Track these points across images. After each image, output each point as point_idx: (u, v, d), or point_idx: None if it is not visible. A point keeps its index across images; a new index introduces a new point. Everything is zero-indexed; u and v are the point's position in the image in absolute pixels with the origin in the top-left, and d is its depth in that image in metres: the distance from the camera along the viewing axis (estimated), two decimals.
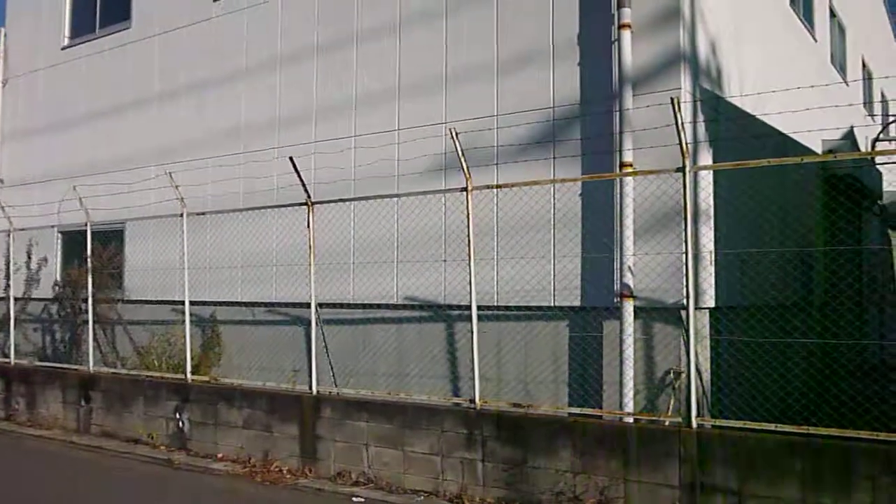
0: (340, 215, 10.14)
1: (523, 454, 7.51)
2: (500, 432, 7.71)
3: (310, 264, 9.52)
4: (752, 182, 8.66)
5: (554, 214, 8.68)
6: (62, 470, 9.87)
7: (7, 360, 13.42)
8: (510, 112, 9.09)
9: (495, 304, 8.98)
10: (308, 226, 9.56)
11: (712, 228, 8.19)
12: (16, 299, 14.05)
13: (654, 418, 7.44)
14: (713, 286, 8.11)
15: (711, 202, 8.17)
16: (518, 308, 8.84)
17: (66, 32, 15.38)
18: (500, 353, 8.91)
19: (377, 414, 8.54)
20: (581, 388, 8.37)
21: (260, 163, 11.18)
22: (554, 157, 8.73)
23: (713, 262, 8.15)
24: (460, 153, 8.06)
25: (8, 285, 13.92)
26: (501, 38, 9.36)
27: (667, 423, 7.19)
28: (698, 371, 7.48)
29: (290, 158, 9.34)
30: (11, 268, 13.96)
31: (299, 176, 9.28)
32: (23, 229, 13.91)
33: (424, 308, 9.68)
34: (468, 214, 8.21)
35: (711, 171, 8.13)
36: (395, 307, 9.93)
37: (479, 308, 8.32)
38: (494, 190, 8.67)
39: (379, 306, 10.00)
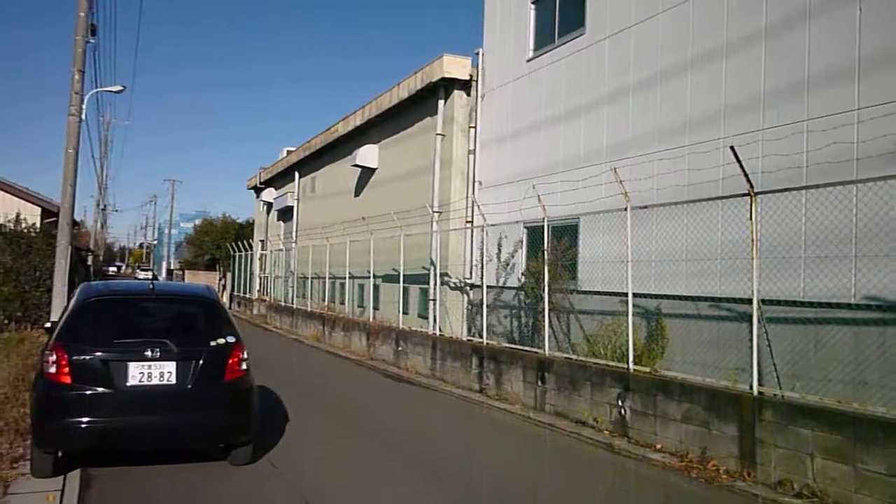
0: (788, 206, 9.45)
1: None
2: None
3: (752, 258, 9.07)
4: None
5: None
6: (521, 443, 10.96)
7: (481, 340, 15.31)
8: None
9: None
10: (750, 217, 9.12)
11: None
12: (489, 287, 15.93)
13: None
14: None
15: None
16: None
17: (531, 45, 16.88)
18: None
19: (825, 423, 7.78)
20: None
21: (703, 154, 10.96)
22: None
23: None
24: None
25: (482, 275, 15.84)
26: None
27: None
28: None
29: (731, 148, 9.01)
30: (484, 258, 15.85)
31: (741, 165, 8.91)
32: (494, 225, 15.73)
33: (888, 310, 8.51)
34: None
35: None
36: (852, 307, 8.91)
37: None
38: None
39: (832, 305, 9.08)
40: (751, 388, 8.85)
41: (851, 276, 8.96)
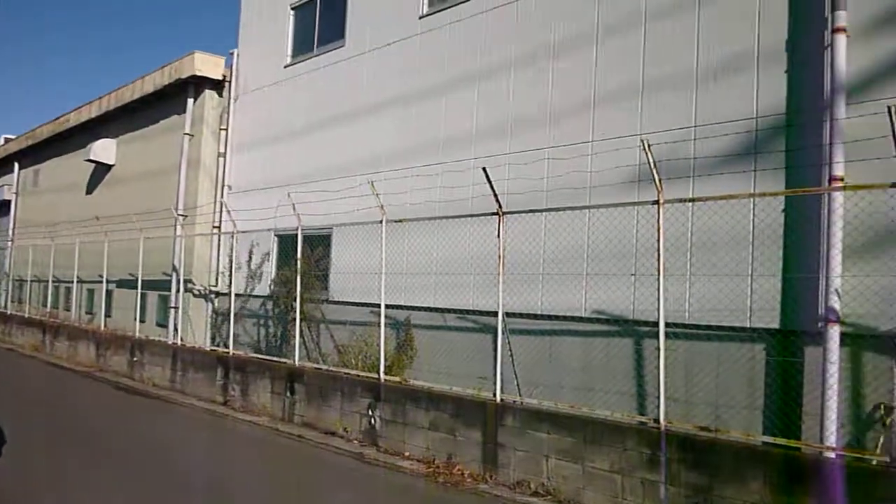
0: (531, 226, 10.21)
1: (709, 481, 7.16)
2: (685, 455, 7.41)
3: (498, 273, 9.67)
4: None
5: (753, 230, 8.21)
6: (267, 455, 10.70)
7: (227, 350, 14.77)
8: (708, 123, 8.73)
9: (686, 322, 8.64)
10: (498, 235, 9.72)
11: None
12: (237, 295, 15.42)
13: (858, 455, 6.81)
14: None
15: None
16: (710, 327, 8.44)
17: (289, 52, 16.66)
18: (689, 373, 8.55)
19: (559, 426, 8.50)
20: (777, 416, 7.83)
21: (456, 173, 11.51)
22: (755, 170, 8.27)
23: None
24: (652, 165, 7.88)
25: (230, 282, 15.31)
26: (702, 47, 9.02)
27: (874, 462, 6.58)
28: None
29: (483, 169, 9.55)
30: (233, 266, 15.34)
31: (491, 186, 9.47)
32: (244, 232, 15.28)
33: (612, 322, 9.49)
34: (658, 228, 7.99)
35: None
36: (583, 320, 9.82)
37: (668, 325, 8.07)
38: (688, 203, 8.37)
39: (566, 318, 9.95)
40: (494, 395, 9.42)
41: (583, 291, 9.87)
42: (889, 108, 6.19)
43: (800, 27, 8.18)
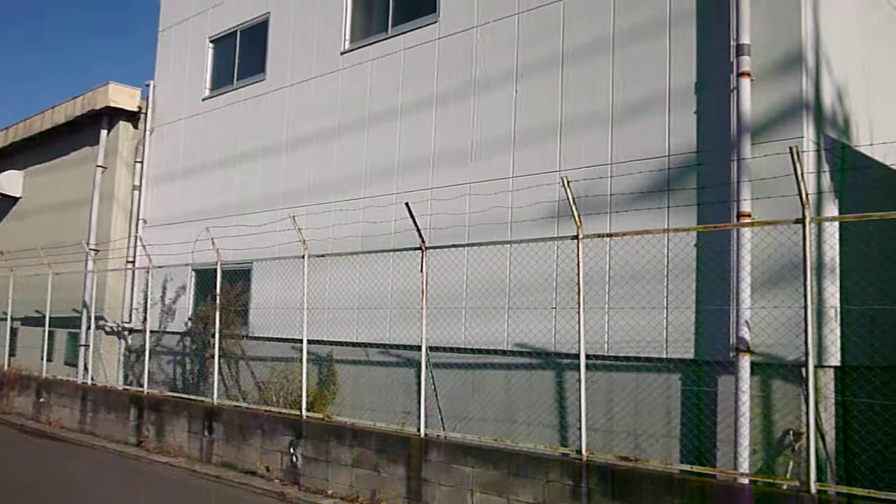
0: (453, 260, 10.30)
1: None
2: (606, 485, 7.54)
3: (422, 308, 9.71)
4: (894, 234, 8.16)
5: (667, 264, 8.51)
6: (182, 498, 10.35)
7: (141, 389, 14.29)
8: (624, 161, 9.04)
9: (605, 353, 8.85)
10: (421, 270, 9.78)
11: (837, 282, 7.80)
12: (152, 332, 14.97)
13: (770, 480, 7.09)
14: (839, 344, 7.69)
15: (837, 255, 7.79)
16: (629, 359, 8.66)
17: (208, 84, 16.47)
18: (609, 403, 8.74)
19: (483, 460, 8.53)
20: (693, 444, 8.07)
21: (379, 208, 11.55)
22: (668, 207, 8.60)
23: (839, 319, 7.75)
24: (571, 201, 8.09)
25: (145, 319, 14.87)
26: (617, 87, 9.36)
27: (784, 487, 6.85)
28: (820, 433, 7.13)
29: (406, 204, 9.62)
30: (149, 302, 14.91)
31: (414, 221, 9.53)
32: (160, 267, 14.90)
33: (534, 355, 9.63)
34: (578, 262, 8.19)
35: (837, 223, 7.78)
36: (505, 353, 9.93)
37: (588, 357, 8.24)
38: (606, 239, 8.62)
39: (489, 352, 10.04)
40: (418, 430, 9.39)
41: (505, 324, 9.99)
42: (791, 148, 6.56)
43: (707, 70, 8.60)
